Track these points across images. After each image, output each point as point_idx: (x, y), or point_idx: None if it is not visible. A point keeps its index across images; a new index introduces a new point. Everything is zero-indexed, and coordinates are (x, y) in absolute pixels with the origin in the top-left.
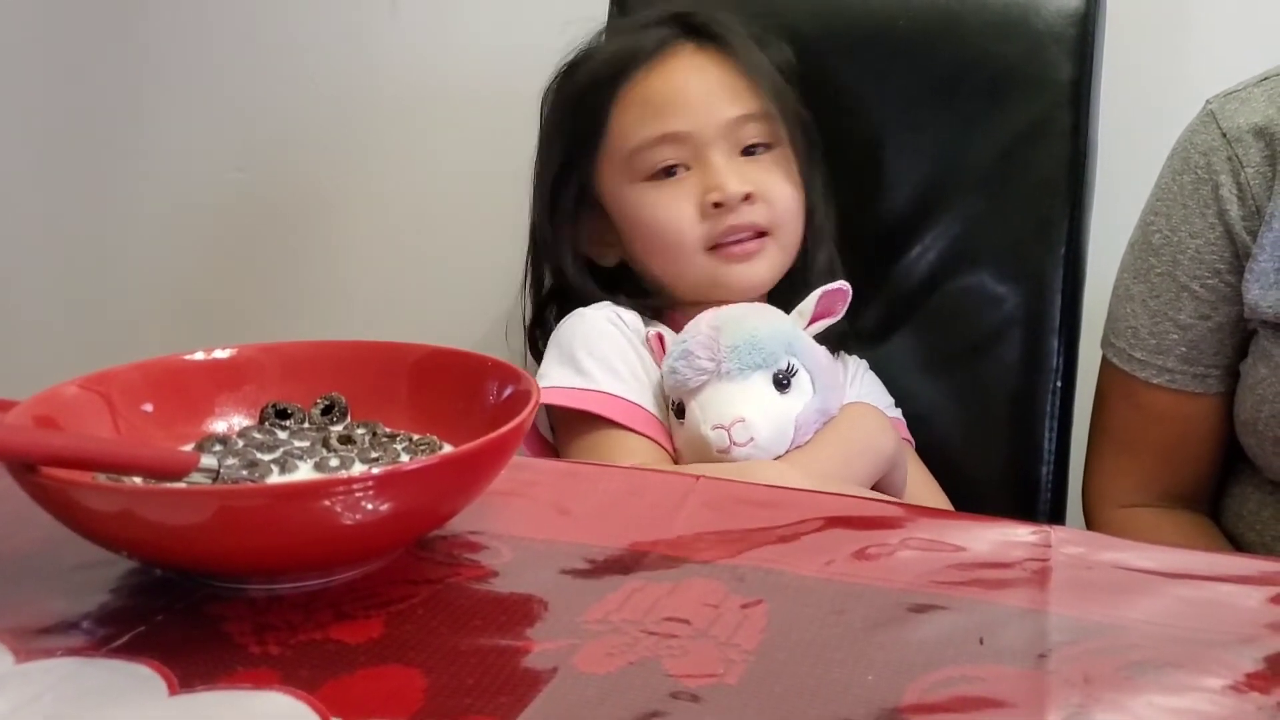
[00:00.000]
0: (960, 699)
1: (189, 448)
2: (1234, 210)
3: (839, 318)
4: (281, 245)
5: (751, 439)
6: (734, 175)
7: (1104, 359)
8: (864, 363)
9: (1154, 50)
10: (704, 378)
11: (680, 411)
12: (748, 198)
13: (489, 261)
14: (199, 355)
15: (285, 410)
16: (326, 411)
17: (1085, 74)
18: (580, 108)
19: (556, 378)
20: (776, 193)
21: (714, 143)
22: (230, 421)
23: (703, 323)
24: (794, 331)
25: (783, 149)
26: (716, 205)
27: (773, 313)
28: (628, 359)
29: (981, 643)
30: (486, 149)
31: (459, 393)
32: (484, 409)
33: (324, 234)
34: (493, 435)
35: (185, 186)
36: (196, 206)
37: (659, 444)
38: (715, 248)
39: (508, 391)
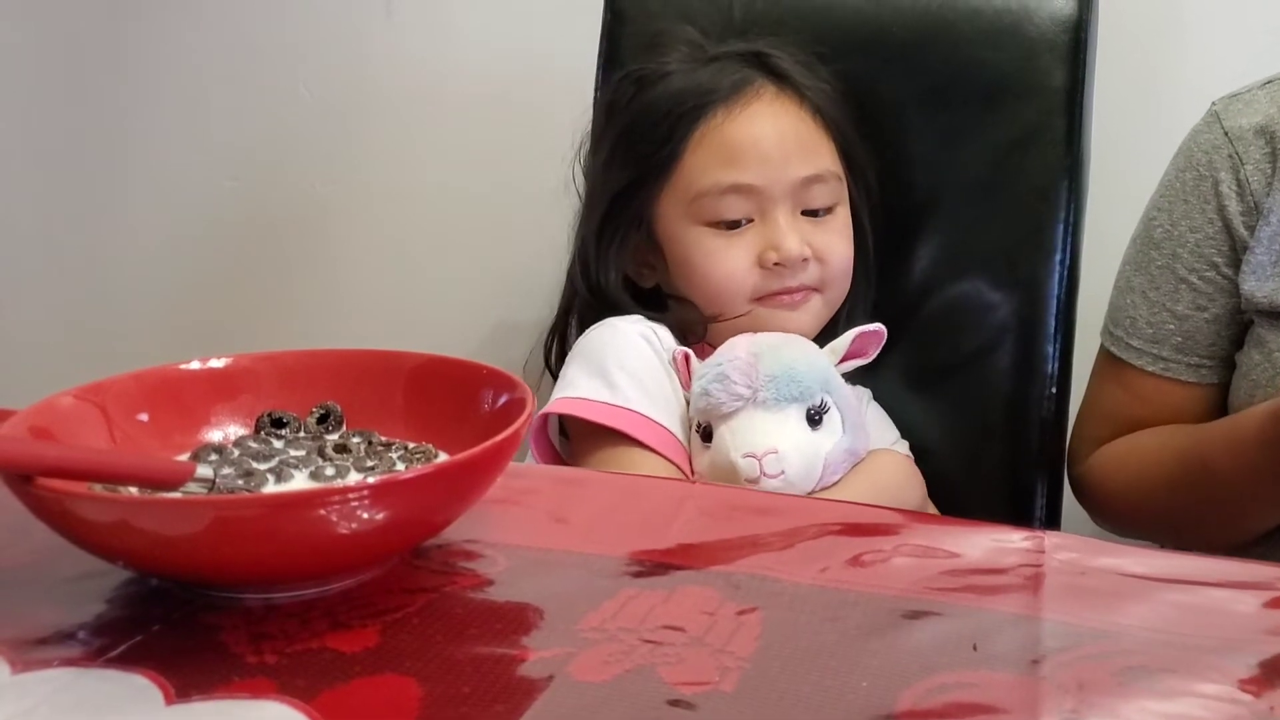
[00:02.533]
0: (954, 705)
1: (185, 457)
2: (1233, 206)
3: (869, 359)
4: (276, 254)
5: (782, 472)
6: (796, 237)
7: (1101, 347)
8: (868, 392)
9: (1147, 57)
10: (738, 404)
11: (707, 435)
12: (805, 260)
13: (485, 269)
14: (194, 365)
15: (281, 419)
16: (322, 420)
17: (1078, 81)
18: (652, 134)
19: (585, 389)
20: (834, 255)
21: (781, 201)
22: (226, 431)
23: (739, 348)
24: (830, 369)
25: (844, 207)
26: (775, 264)
27: (810, 347)
28: (657, 377)
29: (975, 649)
30: (482, 155)
31: (454, 401)
32: (479, 417)
33: (318, 242)
34: (488, 444)
35: (179, 196)
36: (191, 216)
37: (680, 468)
38: (763, 298)
39: (503, 400)
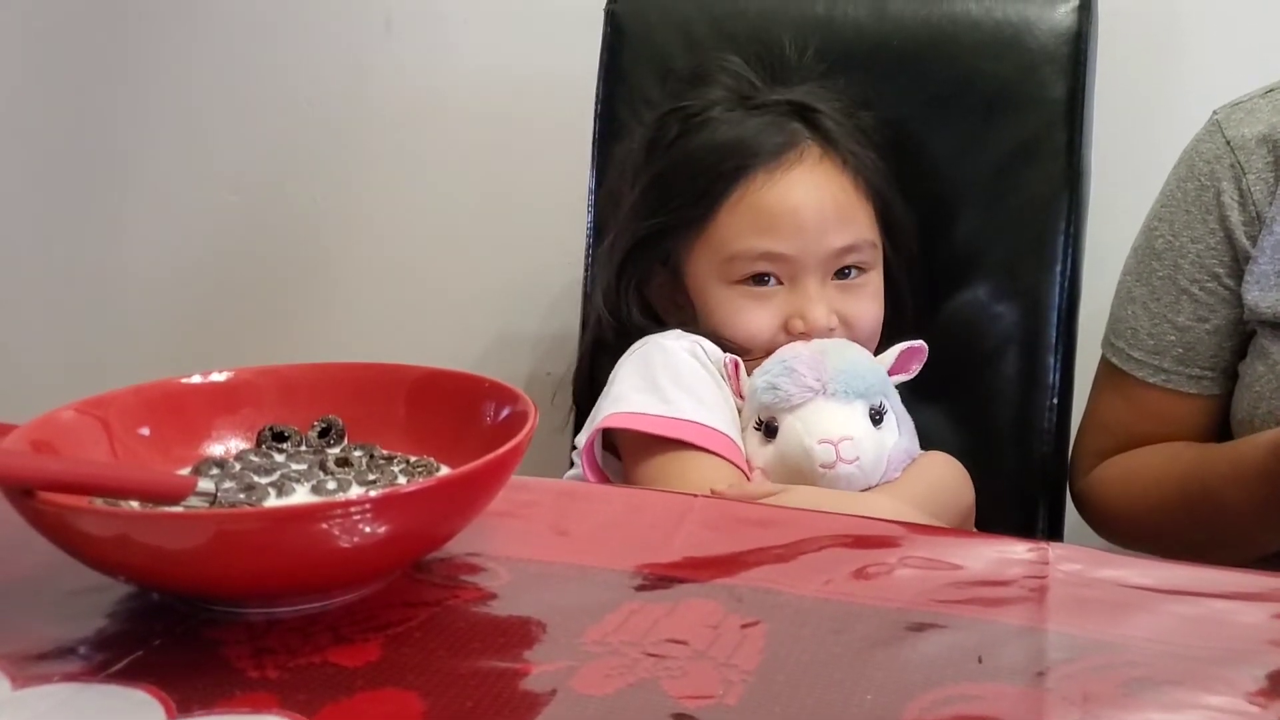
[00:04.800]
0: (959, 717)
1: (186, 471)
2: (1235, 216)
3: (912, 375)
4: (277, 268)
5: (857, 458)
6: (824, 307)
7: (1103, 358)
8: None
9: (1147, 68)
10: (808, 395)
11: (769, 431)
12: (832, 328)
13: (485, 282)
14: (196, 379)
15: (282, 433)
16: (323, 434)
17: (1078, 92)
18: (690, 187)
19: (638, 404)
20: (862, 320)
21: (813, 270)
22: (227, 445)
23: (799, 347)
24: (885, 375)
25: (877, 271)
26: (801, 332)
27: (867, 353)
28: (709, 386)
29: (980, 661)
30: (481, 169)
31: (456, 414)
32: (481, 430)
33: (319, 256)
34: (490, 457)
35: (181, 210)
36: (192, 230)
37: (740, 469)
38: None
39: (505, 413)
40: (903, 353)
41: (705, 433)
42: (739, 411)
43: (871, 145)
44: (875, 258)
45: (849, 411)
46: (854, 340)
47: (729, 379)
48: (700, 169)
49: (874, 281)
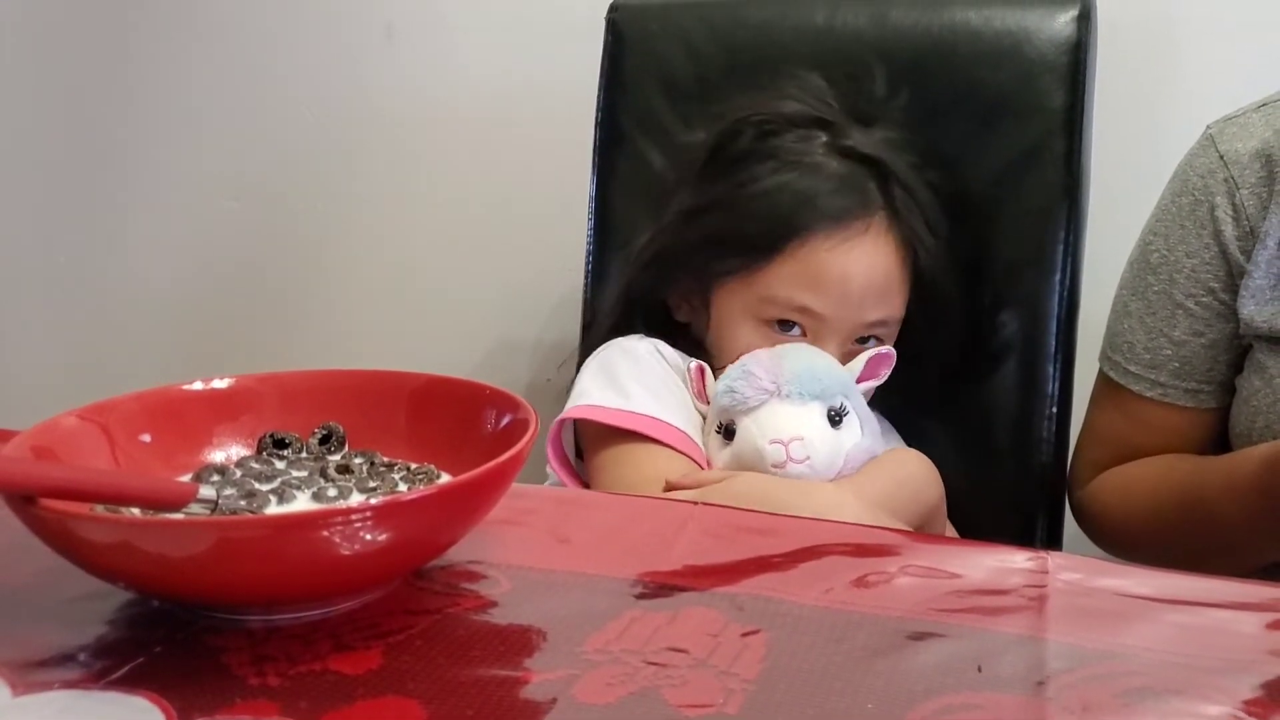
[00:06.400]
0: None
1: (187, 478)
2: (1229, 230)
3: (881, 380)
4: (277, 275)
5: (808, 457)
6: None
7: (1100, 371)
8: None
9: (1146, 77)
10: (764, 397)
11: (729, 434)
12: None
13: (486, 289)
14: (197, 386)
15: (283, 440)
16: (324, 441)
17: (1078, 101)
18: (750, 229)
19: (599, 398)
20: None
21: (839, 332)
22: (228, 452)
23: (760, 353)
24: (848, 377)
25: (894, 336)
26: None
27: (829, 356)
28: (669, 385)
29: (980, 670)
30: (482, 176)
31: (457, 422)
32: (482, 438)
33: (319, 263)
34: (491, 464)
35: (181, 217)
36: (192, 237)
37: (694, 461)
38: None
39: (506, 420)
40: (871, 359)
41: (661, 426)
42: (704, 417)
43: (938, 219)
44: (895, 330)
45: (803, 412)
46: (863, 394)
47: (692, 383)
48: (765, 214)
49: (890, 336)
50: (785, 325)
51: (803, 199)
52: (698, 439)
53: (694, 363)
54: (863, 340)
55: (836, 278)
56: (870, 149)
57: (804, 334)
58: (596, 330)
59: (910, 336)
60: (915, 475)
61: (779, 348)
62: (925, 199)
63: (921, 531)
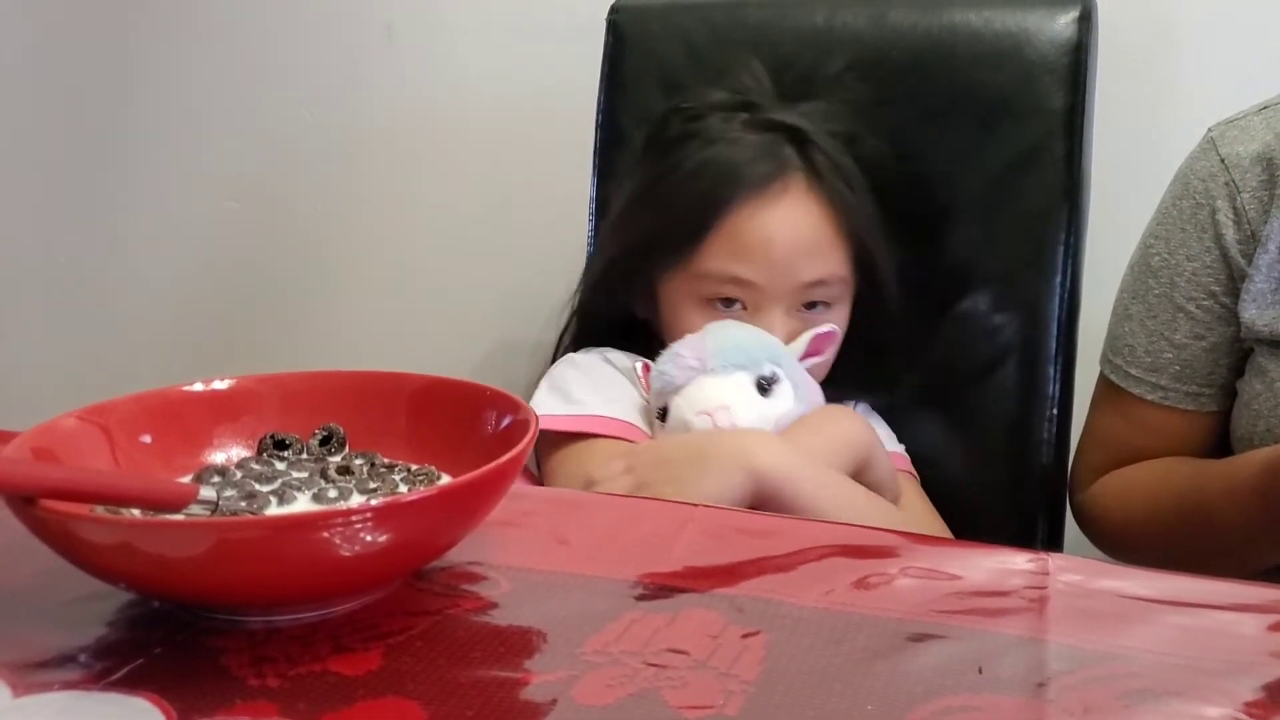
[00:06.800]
0: None
1: (187, 479)
2: (1230, 234)
3: (825, 356)
4: (277, 276)
5: (734, 425)
6: (785, 335)
7: (1101, 374)
8: (863, 406)
9: (1146, 78)
10: (691, 374)
11: (664, 415)
12: None
13: (486, 290)
14: (197, 387)
15: (283, 441)
16: (324, 442)
17: (1078, 103)
18: (678, 212)
19: (547, 407)
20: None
21: (779, 299)
22: (228, 453)
23: (688, 336)
24: (779, 346)
25: (844, 304)
26: None
27: (758, 329)
28: (615, 383)
29: (980, 672)
30: (482, 177)
31: (457, 423)
32: (482, 439)
33: (319, 264)
34: (491, 466)
35: (181, 218)
36: (192, 238)
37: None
38: None
39: (506, 421)
40: (815, 337)
41: (606, 422)
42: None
43: (862, 183)
44: (844, 293)
45: (729, 383)
46: (809, 370)
47: (641, 380)
48: (692, 193)
49: (838, 315)
50: (728, 303)
51: (723, 171)
52: (644, 425)
53: (640, 361)
54: (811, 306)
55: (760, 241)
56: (788, 119)
57: (745, 308)
58: (560, 348)
59: (862, 317)
60: (834, 419)
61: (706, 327)
62: (850, 159)
63: (871, 477)
